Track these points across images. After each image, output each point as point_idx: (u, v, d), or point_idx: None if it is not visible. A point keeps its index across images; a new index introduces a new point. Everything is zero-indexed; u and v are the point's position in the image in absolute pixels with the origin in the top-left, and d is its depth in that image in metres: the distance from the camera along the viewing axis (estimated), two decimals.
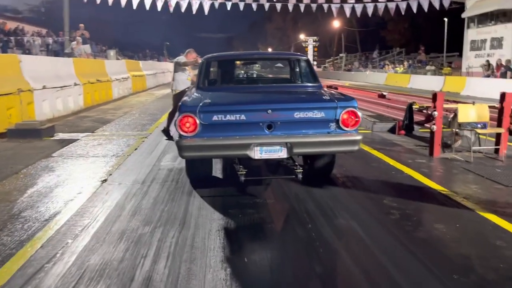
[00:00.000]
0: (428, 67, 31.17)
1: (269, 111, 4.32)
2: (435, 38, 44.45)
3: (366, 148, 7.35)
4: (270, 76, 12.33)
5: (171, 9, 24.62)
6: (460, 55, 31.86)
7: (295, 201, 4.60)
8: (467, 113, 6.47)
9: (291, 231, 3.82)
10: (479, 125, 6.40)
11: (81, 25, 21.33)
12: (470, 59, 26.34)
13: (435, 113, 6.43)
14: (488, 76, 20.83)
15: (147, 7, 25.55)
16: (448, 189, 4.95)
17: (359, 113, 4.49)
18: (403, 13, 26.27)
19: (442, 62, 36.70)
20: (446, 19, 32.98)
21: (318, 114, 4.40)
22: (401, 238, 3.62)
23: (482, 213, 4.17)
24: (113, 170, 5.98)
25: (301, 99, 5.04)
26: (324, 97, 4.76)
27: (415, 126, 7.57)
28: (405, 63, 37.42)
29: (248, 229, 3.89)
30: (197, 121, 4.29)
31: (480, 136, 6.71)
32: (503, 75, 18.40)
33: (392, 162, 6.32)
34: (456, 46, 34.23)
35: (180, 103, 4.64)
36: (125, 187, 5.17)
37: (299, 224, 3.95)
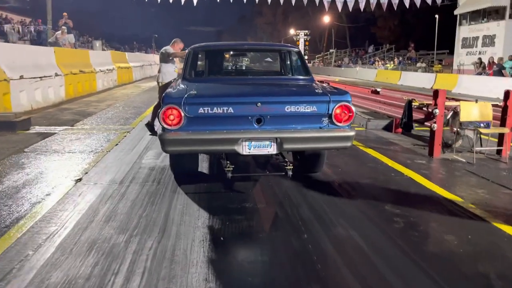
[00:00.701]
0: (419, 64, 30.96)
1: (259, 104, 4.05)
2: (425, 35, 44.40)
3: (361, 146, 6.96)
4: (261, 68, 11.93)
5: (159, 0, 23.90)
6: (450, 53, 31.79)
7: (288, 205, 4.18)
8: (469, 112, 6.11)
9: (285, 243, 3.39)
10: (482, 125, 6.04)
11: (65, 14, 20.61)
12: (462, 56, 26.17)
13: (436, 111, 6.05)
14: (480, 74, 20.63)
15: None
16: (453, 194, 4.57)
17: (353, 108, 4.24)
18: (395, 8, 25.89)
19: (432, 59, 36.61)
20: (437, 16, 32.76)
21: (310, 108, 4.15)
22: (409, 252, 3.21)
23: (494, 223, 3.79)
24: (89, 168, 5.49)
25: (293, 92, 4.77)
26: (316, 91, 4.48)
27: (414, 125, 7.18)
28: (396, 59, 37.21)
29: (236, 240, 3.45)
30: (182, 114, 4.02)
31: (482, 136, 6.36)
32: (497, 73, 18.17)
33: (390, 162, 5.93)
34: (446, 43, 34.17)
35: (164, 94, 4.30)
36: (101, 187, 4.69)
37: (294, 234, 3.52)
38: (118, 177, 5.11)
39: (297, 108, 4.13)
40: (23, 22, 25.92)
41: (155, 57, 34.47)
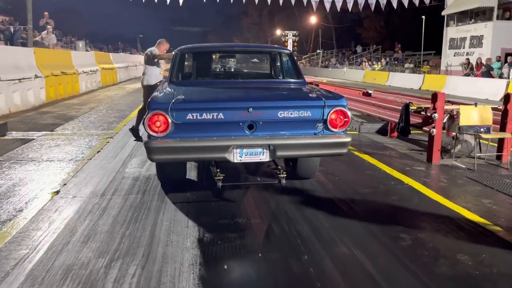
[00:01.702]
0: (407, 65, 30.94)
1: (250, 109, 3.83)
2: (411, 36, 44.57)
3: (356, 152, 6.68)
4: (252, 70, 11.63)
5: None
6: (437, 54, 31.85)
7: (285, 221, 3.85)
8: (469, 116, 5.86)
9: (284, 266, 3.06)
10: (482, 129, 5.80)
11: (46, 13, 19.99)
12: (449, 57, 26.17)
13: (436, 115, 5.78)
14: (468, 75, 20.60)
15: None
16: (459, 205, 4.29)
17: (349, 113, 4.03)
18: (383, 9, 25.79)
19: (418, 60, 36.68)
20: (423, 17, 32.82)
21: (304, 114, 3.94)
22: (422, 276, 2.90)
23: (507, 239, 3.52)
24: (68, 178, 5.09)
25: (286, 96, 4.53)
26: (310, 95, 4.23)
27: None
28: (383, 60, 37.21)
29: (229, 262, 3.10)
30: (169, 120, 3.78)
31: (481, 141, 6.13)
32: (485, 75, 18.12)
33: (388, 169, 5.65)
34: (432, 44, 34.25)
35: (149, 100, 4.01)
36: (80, 201, 4.31)
37: (293, 255, 3.20)
38: (99, 188, 4.72)
39: (291, 114, 3.92)
40: (2, 22, 25.07)
41: (140, 58, 33.89)
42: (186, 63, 5.55)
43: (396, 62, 36.25)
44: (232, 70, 8.83)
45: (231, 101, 4.10)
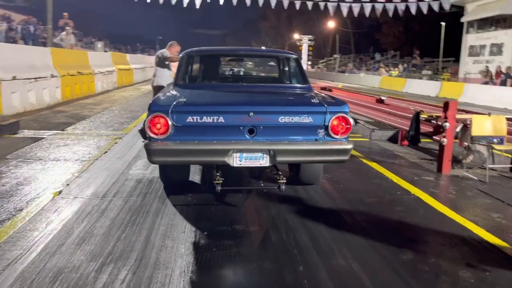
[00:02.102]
0: (424, 72, 30.50)
1: (251, 114, 3.80)
2: (430, 43, 43.99)
3: (364, 159, 6.55)
4: (257, 74, 11.61)
5: (161, 0, 23.58)
6: (456, 61, 31.32)
7: (284, 229, 3.76)
8: (482, 126, 5.69)
9: (277, 277, 2.97)
10: (495, 140, 5.63)
11: (65, 14, 20.31)
12: (468, 64, 25.70)
13: (447, 124, 5.63)
14: (486, 83, 20.20)
15: None
16: (466, 218, 4.15)
17: (351, 120, 3.99)
18: (401, 14, 25.49)
19: (437, 66, 36.18)
20: (443, 23, 32.35)
21: (305, 119, 3.89)
22: None
23: None
24: (72, 178, 5.10)
25: (287, 101, 4.49)
26: (312, 101, 4.21)
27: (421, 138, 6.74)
28: (400, 66, 36.79)
29: (222, 270, 3.04)
30: (169, 122, 3.78)
31: (495, 152, 5.95)
32: (503, 83, 17.73)
33: (395, 179, 5.51)
34: (452, 51, 33.73)
35: (151, 102, 4.02)
36: (80, 202, 4.30)
37: (288, 265, 3.11)
38: (101, 190, 4.71)
39: (292, 119, 3.87)
40: (28, 21, 25.51)
41: None
42: (193, 67, 5.53)
43: (414, 69, 35.82)
44: (239, 73, 8.79)
45: (232, 105, 4.09)
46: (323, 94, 4.67)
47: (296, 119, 3.87)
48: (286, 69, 5.62)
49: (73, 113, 10.94)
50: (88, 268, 2.98)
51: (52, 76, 12.60)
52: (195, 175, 5.35)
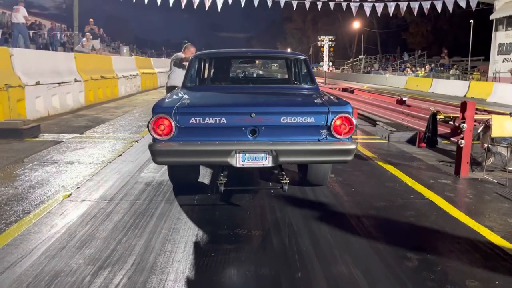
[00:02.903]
0: (452, 71, 29.71)
1: (253, 114, 3.80)
2: (458, 42, 42.90)
3: (380, 162, 6.38)
4: (264, 76, 11.62)
5: (183, 4, 23.83)
6: (485, 60, 30.35)
7: (287, 234, 3.68)
8: (502, 126, 5.46)
9: (274, 283, 2.89)
10: None
11: (91, 20, 20.85)
12: (498, 63, 24.85)
13: (464, 125, 5.42)
14: None
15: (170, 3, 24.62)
16: (480, 224, 3.96)
17: (354, 120, 3.92)
18: (426, 13, 24.91)
19: (466, 66, 35.21)
20: (472, 21, 31.46)
21: (307, 120, 3.87)
22: None
23: None
24: (83, 181, 5.15)
25: (290, 102, 4.48)
26: (315, 101, 4.20)
27: (439, 139, 6.52)
28: (427, 66, 35.97)
29: (218, 277, 2.97)
30: (173, 124, 3.84)
31: None
32: None
33: (410, 182, 5.34)
34: (481, 50, 32.74)
35: (155, 103, 4.06)
36: (87, 205, 4.33)
37: (287, 272, 3.03)
38: (109, 193, 4.74)
39: (294, 119, 3.85)
40: (52, 27, 26.29)
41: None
42: (202, 69, 5.53)
43: (442, 68, 34.96)
44: (248, 76, 8.79)
45: (234, 106, 4.10)
46: (328, 95, 4.59)
47: (298, 119, 3.84)
48: (294, 70, 5.58)
49: (94, 116, 11.14)
50: (85, 272, 2.97)
51: (76, 80, 12.89)
52: (204, 177, 5.33)
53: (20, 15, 16.71)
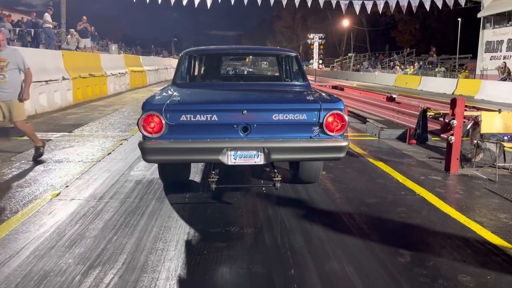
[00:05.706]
0: (437, 69, 29.94)
1: (245, 111, 3.76)
2: (446, 40, 43.27)
3: (371, 159, 6.39)
4: (256, 73, 11.59)
5: (172, 2, 23.66)
6: (473, 57, 30.66)
7: (279, 231, 3.66)
8: (491, 123, 5.50)
9: (266, 281, 2.88)
10: (505, 137, 5.42)
11: (84, 17, 20.59)
12: (485, 61, 25.11)
13: (454, 122, 5.45)
14: (504, 79, 19.70)
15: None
16: (471, 219, 3.99)
17: (346, 117, 3.91)
18: (414, 11, 25.05)
19: (454, 64, 35.52)
20: (459, 19, 31.72)
21: (299, 117, 3.85)
22: None
23: None
24: (72, 180, 5.09)
25: (281, 99, 4.42)
26: (307, 98, 4.19)
27: (429, 136, 6.56)
28: (416, 64, 36.22)
29: (210, 275, 2.94)
30: (163, 121, 3.78)
31: (506, 149, 5.73)
32: None
33: (401, 178, 5.36)
34: (469, 48, 33.05)
35: (144, 101, 3.99)
36: (76, 204, 4.27)
37: (279, 269, 3.01)
38: (99, 191, 4.68)
39: (286, 116, 3.82)
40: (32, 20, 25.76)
41: (172, 61, 34.40)
42: (192, 66, 5.48)
43: (430, 66, 35.22)
44: (239, 73, 8.75)
45: (225, 103, 4.05)
46: (319, 92, 4.57)
47: (290, 116, 3.82)
48: (286, 67, 5.55)
49: (83, 115, 11.02)
50: (75, 271, 2.93)
51: (64, 78, 12.73)
52: (195, 175, 5.29)
53: (49, 20, 18.40)
